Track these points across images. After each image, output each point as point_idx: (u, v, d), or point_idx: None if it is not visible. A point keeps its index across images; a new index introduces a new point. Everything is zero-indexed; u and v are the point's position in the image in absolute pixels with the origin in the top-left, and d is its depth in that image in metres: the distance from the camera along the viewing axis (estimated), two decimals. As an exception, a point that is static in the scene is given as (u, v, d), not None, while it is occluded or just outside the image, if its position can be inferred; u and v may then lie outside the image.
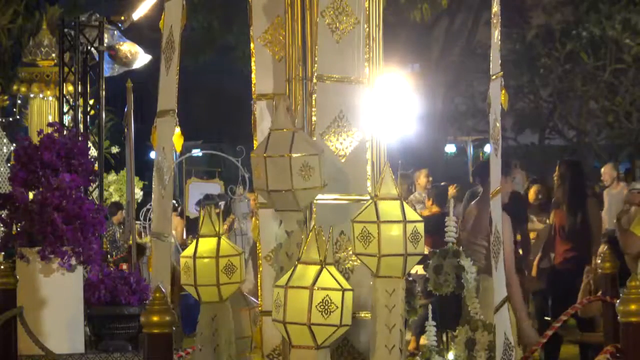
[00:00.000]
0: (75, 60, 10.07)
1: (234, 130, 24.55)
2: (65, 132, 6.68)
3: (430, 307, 5.57)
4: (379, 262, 4.50)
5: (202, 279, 4.91)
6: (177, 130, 5.19)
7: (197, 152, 22.31)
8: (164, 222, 5.10)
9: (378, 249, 4.49)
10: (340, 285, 4.25)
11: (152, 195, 5.27)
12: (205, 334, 4.98)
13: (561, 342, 9.08)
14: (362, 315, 4.85)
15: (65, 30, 10.09)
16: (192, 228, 14.76)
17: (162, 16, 5.32)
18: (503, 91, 5.19)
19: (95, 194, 9.86)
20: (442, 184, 11.96)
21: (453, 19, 22.61)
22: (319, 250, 4.30)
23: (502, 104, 5.18)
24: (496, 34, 5.19)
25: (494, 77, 5.15)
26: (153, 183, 5.15)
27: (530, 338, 6.82)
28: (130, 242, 9.11)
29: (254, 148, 5.09)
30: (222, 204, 12.50)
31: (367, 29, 5.19)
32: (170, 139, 4.91)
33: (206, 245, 4.95)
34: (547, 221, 10.21)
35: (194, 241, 4.98)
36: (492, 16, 5.22)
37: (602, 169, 13.09)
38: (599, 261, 7.50)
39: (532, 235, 10.11)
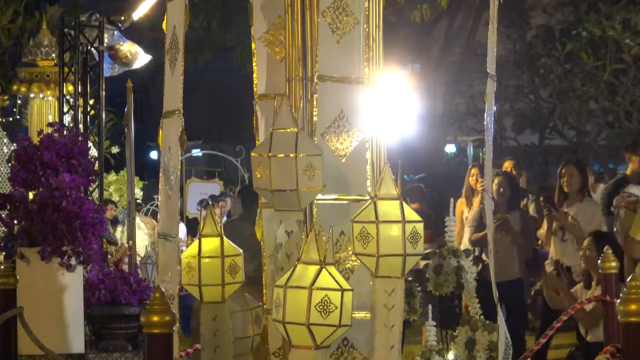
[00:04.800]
0: (75, 60, 10.06)
1: (234, 130, 24.55)
2: (65, 132, 6.68)
3: (430, 307, 5.58)
4: (377, 262, 4.50)
5: (207, 279, 4.91)
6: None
7: (197, 152, 22.27)
8: (170, 223, 5.09)
9: (377, 249, 4.50)
10: (340, 286, 4.25)
11: (159, 197, 5.26)
12: (207, 334, 4.98)
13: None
14: (362, 315, 4.86)
15: (65, 30, 10.07)
16: (192, 228, 14.75)
17: (165, 17, 5.32)
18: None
19: (95, 194, 9.85)
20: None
21: (453, 19, 22.60)
22: (318, 250, 4.30)
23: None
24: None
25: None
26: (160, 184, 5.14)
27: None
28: (131, 242, 9.09)
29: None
30: (228, 199, 12.45)
31: (367, 29, 5.19)
32: (176, 139, 4.91)
33: (209, 244, 4.96)
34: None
35: (196, 241, 4.99)
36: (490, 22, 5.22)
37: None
38: (587, 252, 7.53)
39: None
